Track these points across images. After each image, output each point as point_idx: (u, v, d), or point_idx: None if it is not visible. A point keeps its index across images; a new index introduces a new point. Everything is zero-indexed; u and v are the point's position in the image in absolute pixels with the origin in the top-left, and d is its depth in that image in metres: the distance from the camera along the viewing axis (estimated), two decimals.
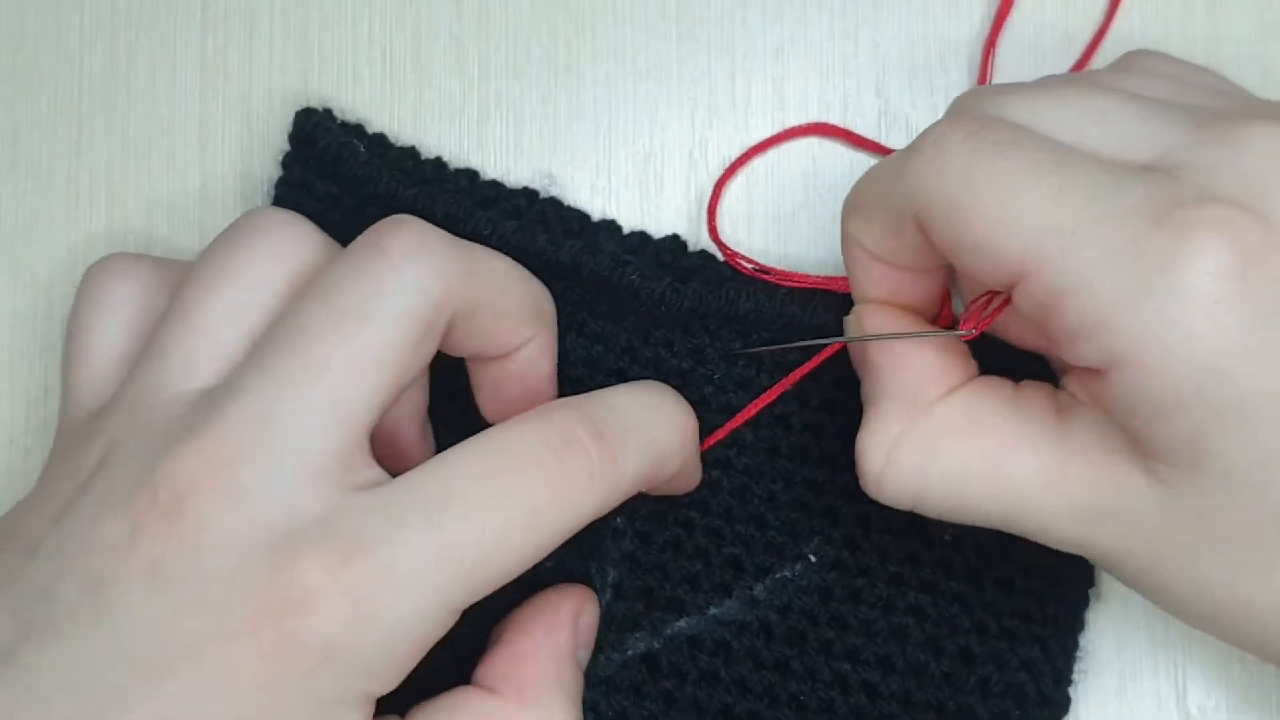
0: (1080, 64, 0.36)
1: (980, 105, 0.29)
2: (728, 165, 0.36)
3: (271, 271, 0.28)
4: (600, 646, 0.32)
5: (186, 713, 0.25)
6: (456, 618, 0.26)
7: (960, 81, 0.37)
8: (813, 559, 0.33)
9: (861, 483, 0.30)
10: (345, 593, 0.25)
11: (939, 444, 0.29)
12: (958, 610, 0.33)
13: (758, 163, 0.37)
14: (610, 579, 0.33)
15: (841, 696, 0.32)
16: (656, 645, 0.33)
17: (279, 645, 0.25)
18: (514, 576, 0.27)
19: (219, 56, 0.37)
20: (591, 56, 0.37)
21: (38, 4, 0.37)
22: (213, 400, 0.27)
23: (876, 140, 0.36)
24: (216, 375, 0.28)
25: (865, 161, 0.36)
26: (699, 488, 0.33)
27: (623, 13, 0.37)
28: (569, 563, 0.32)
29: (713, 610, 0.33)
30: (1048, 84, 0.30)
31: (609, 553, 0.33)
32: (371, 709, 0.26)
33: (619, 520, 0.33)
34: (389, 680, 0.26)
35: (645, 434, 0.29)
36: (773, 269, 0.34)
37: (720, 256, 0.35)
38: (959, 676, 0.33)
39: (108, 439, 0.28)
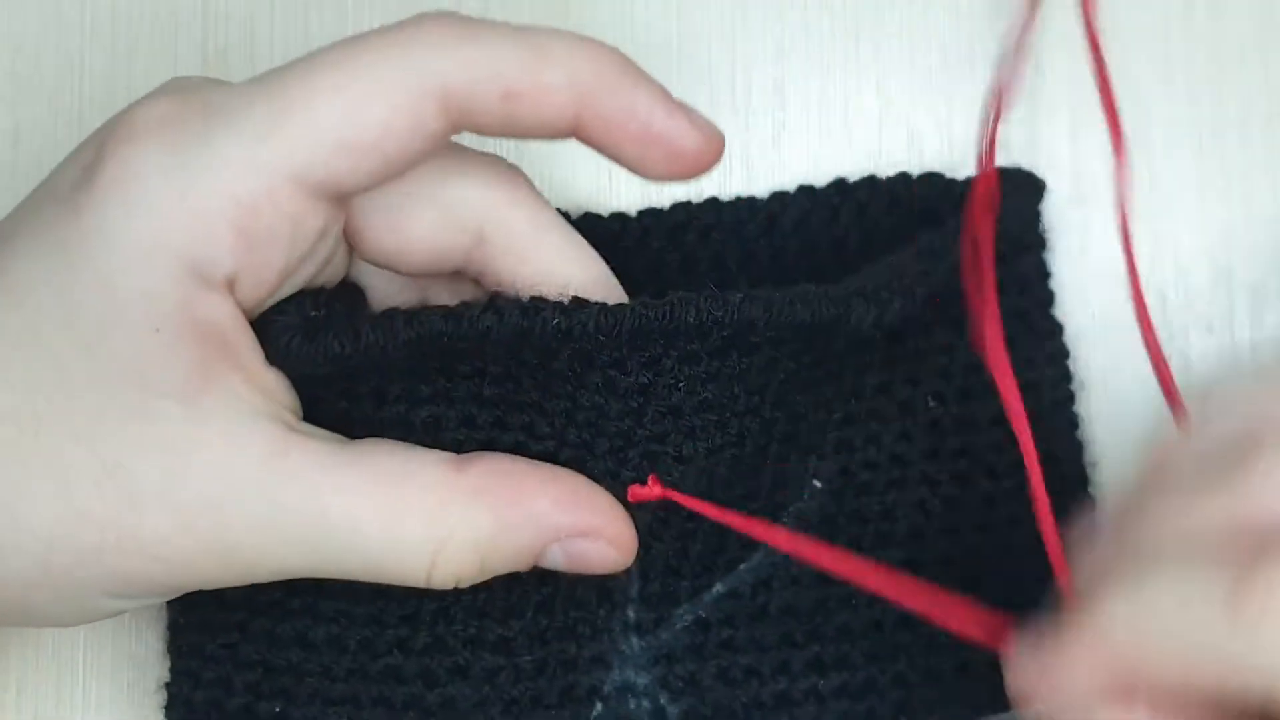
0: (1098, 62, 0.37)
1: None
2: None
3: None
4: (646, 630, 0.33)
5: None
6: (326, 212, 0.27)
7: (962, 80, 0.37)
8: (818, 484, 0.33)
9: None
10: (163, 124, 0.27)
11: None
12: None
13: None
14: (634, 572, 0.32)
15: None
16: (703, 613, 0.33)
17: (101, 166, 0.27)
18: (386, 140, 0.26)
19: (220, 58, 0.37)
20: None
21: (38, 5, 0.37)
22: None
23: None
24: None
25: None
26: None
27: (623, 12, 0.37)
28: None
29: (743, 566, 0.33)
30: None
31: None
32: (222, 296, 0.27)
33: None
34: (226, 246, 0.26)
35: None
36: None
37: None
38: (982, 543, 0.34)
39: None
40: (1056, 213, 0.36)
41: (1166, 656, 0.23)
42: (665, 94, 0.28)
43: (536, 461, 0.30)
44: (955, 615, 0.28)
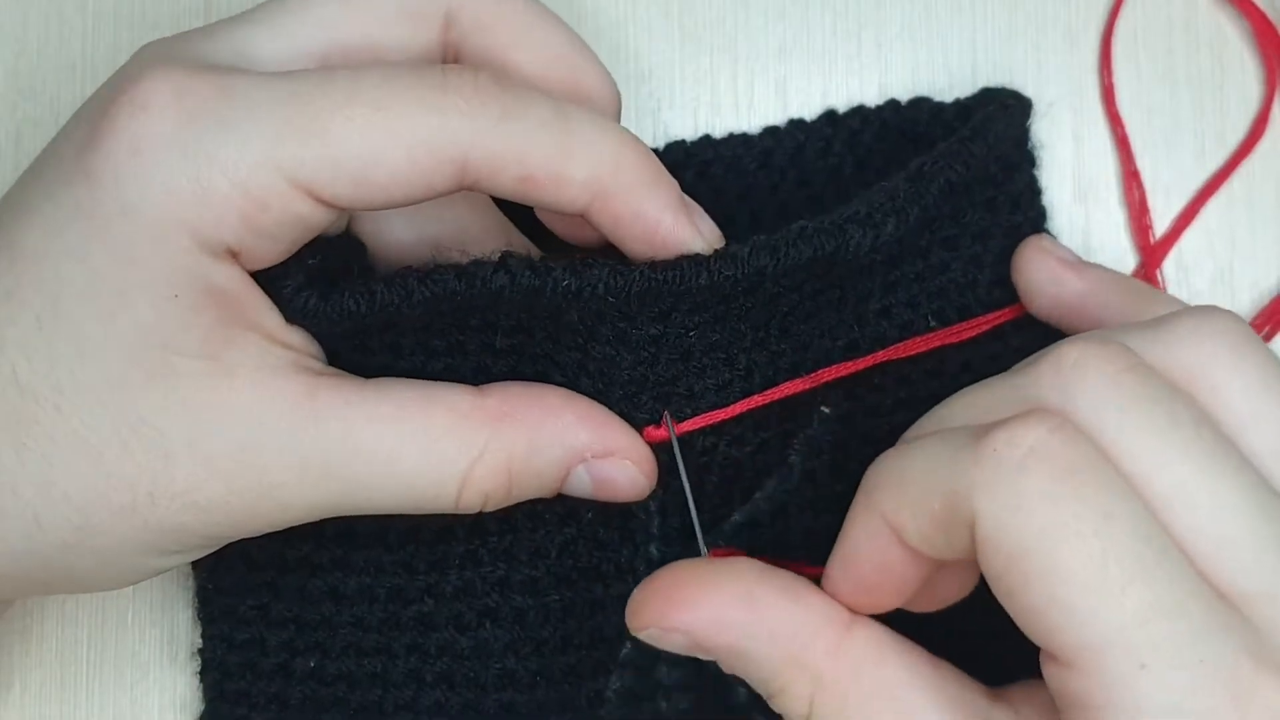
0: (1107, 60, 0.37)
1: (1055, 393, 0.25)
2: None
3: None
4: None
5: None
6: (330, 214, 0.28)
7: (963, 81, 0.37)
8: (826, 410, 0.33)
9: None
10: (178, 97, 0.27)
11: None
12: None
13: None
14: (654, 508, 0.32)
15: None
16: (722, 543, 0.32)
17: (102, 137, 0.27)
18: (396, 185, 0.27)
19: None
20: None
21: (40, 6, 0.37)
22: None
23: None
24: None
25: None
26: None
27: (625, 13, 0.37)
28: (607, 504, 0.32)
29: (758, 495, 0.32)
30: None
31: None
32: (231, 265, 0.28)
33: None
34: (233, 229, 0.27)
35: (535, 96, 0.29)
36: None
37: None
38: None
39: None
40: (1059, 211, 0.36)
41: (921, 485, 0.25)
42: (677, 198, 0.29)
43: (552, 386, 0.30)
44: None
